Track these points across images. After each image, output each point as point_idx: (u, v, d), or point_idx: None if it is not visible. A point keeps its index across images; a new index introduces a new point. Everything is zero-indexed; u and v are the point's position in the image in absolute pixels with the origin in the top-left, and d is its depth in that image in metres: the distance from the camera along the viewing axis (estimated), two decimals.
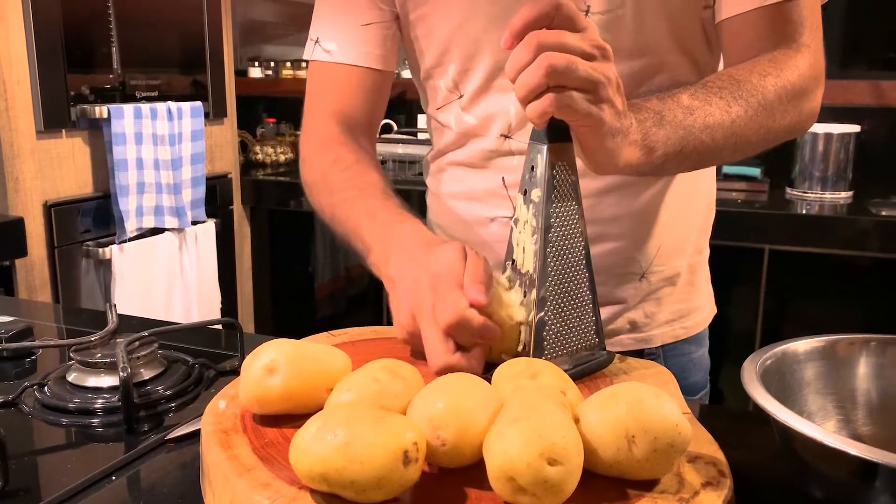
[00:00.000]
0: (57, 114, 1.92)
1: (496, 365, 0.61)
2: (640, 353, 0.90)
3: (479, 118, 0.87)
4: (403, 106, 2.87)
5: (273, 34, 3.31)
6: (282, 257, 2.82)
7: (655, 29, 0.79)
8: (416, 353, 0.68)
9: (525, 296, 0.65)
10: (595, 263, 0.68)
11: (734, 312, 2.11)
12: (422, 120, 2.80)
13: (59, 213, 1.95)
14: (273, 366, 0.56)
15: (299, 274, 2.82)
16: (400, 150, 2.65)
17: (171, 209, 2.16)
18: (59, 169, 1.96)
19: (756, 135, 0.73)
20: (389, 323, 0.71)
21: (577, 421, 0.50)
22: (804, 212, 2.07)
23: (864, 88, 2.29)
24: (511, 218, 0.71)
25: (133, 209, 2.06)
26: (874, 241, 1.92)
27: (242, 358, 0.79)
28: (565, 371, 0.60)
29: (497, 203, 0.88)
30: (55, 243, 1.95)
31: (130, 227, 2.06)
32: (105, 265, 2.05)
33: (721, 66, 0.85)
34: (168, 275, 2.20)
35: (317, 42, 0.92)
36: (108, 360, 0.73)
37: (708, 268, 0.97)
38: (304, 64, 3.00)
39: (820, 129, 2.16)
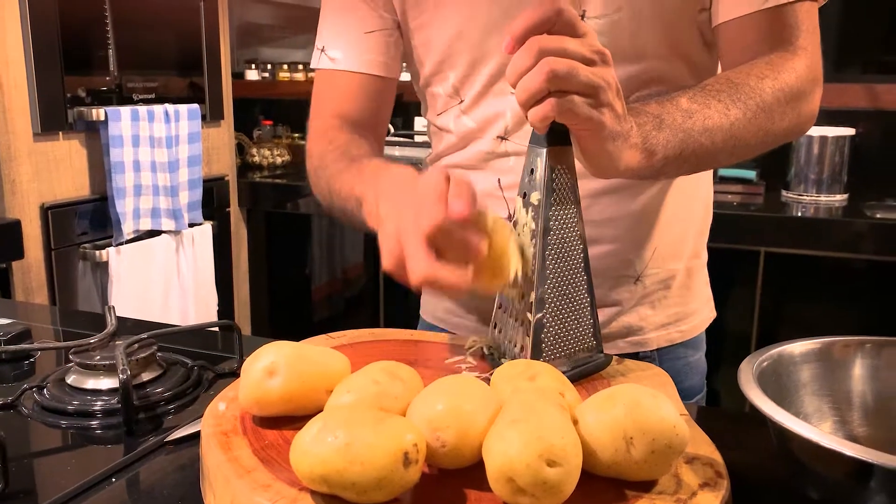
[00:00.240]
0: (54, 116, 1.92)
1: (490, 304, 0.58)
2: (635, 356, 0.90)
3: (478, 121, 0.87)
4: (400, 109, 2.87)
5: (270, 37, 3.31)
6: (278, 259, 2.82)
7: (652, 33, 0.80)
8: (402, 282, 0.65)
9: (515, 228, 0.64)
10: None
11: (730, 314, 2.12)
12: (418, 123, 2.81)
13: (56, 216, 1.95)
14: (273, 368, 0.57)
15: (296, 276, 2.82)
16: (397, 152, 2.65)
17: (167, 211, 2.16)
18: (56, 171, 1.96)
19: (755, 137, 0.74)
20: (387, 325, 0.72)
21: (575, 422, 0.50)
22: (800, 214, 2.07)
23: (858, 91, 2.30)
24: (506, 218, 0.71)
25: (130, 211, 2.06)
26: (869, 243, 1.92)
27: (241, 360, 0.79)
28: (564, 373, 0.61)
29: (492, 204, 0.88)
30: (52, 245, 1.95)
31: (127, 229, 2.06)
32: (102, 267, 2.05)
33: (719, 69, 0.85)
34: (165, 277, 2.20)
35: (322, 51, 0.93)
36: (107, 362, 0.73)
37: (706, 272, 0.97)
38: (300, 66, 3.02)
39: (815, 131, 2.17)
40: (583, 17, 0.78)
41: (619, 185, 0.84)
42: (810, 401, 0.63)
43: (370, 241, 2.61)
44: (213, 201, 2.45)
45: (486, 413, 0.51)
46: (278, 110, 3.12)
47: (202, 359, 0.82)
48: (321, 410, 0.55)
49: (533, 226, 0.65)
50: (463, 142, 0.90)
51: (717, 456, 0.54)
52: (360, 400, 0.54)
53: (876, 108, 2.30)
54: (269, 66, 3.09)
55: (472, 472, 0.50)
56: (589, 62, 0.58)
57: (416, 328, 1.00)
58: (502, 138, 0.86)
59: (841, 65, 2.39)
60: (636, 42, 0.80)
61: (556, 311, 0.66)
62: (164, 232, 2.18)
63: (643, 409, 0.49)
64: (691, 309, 0.94)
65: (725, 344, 2.08)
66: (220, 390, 0.64)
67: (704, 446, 0.55)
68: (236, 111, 2.61)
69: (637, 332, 0.90)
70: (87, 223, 2.04)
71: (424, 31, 0.87)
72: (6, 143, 1.83)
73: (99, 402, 0.71)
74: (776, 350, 0.62)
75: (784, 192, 2.25)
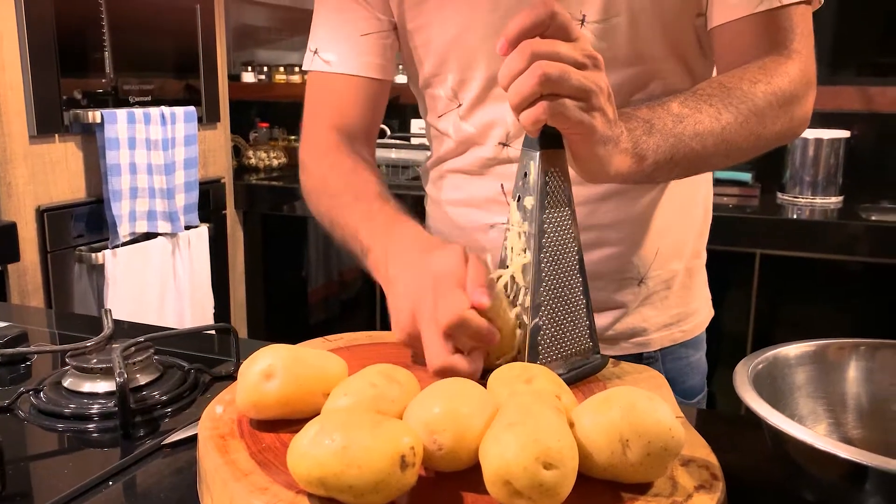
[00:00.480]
0: (50, 119, 1.91)
1: (491, 370, 0.61)
2: (638, 357, 0.91)
3: (478, 127, 0.87)
4: (397, 111, 2.88)
5: (266, 39, 3.31)
6: (275, 262, 2.82)
7: (650, 37, 0.80)
8: (415, 355, 0.68)
9: (520, 301, 0.66)
10: (594, 269, 0.69)
11: (726, 317, 2.12)
12: (415, 125, 2.81)
13: (52, 218, 1.95)
14: (270, 371, 0.57)
15: (292, 279, 2.82)
16: (393, 154, 2.65)
17: (164, 214, 2.15)
18: (52, 174, 1.96)
19: (746, 141, 0.74)
20: (383, 328, 0.72)
21: (571, 425, 0.51)
22: (795, 216, 2.08)
23: (853, 94, 2.31)
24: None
25: (126, 214, 2.06)
26: (864, 245, 1.93)
27: (238, 363, 0.79)
28: (560, 375, 0.61)
29: (496, 209, 0.88)
30: (48, 248, 1.95)
31: (123, 231, 2.05)
32: (98, 270, 2.05)
33: (714, 72, 0.86)
34: (161, 279, 2.19)
35: (315, 53, 0.92)
36: (103, 365, 0.73)
37: (705, 272, 0.98)
38: (296, 69, 3.02)
39: (810, 134, 2.17)
40: (583, 21, 0.79)
41: (622, 190, 0.85)
42: (805, 403, 0.63)
43: None
44: (209, 204, 2.45)
45: (483, 416, 0.51)
46: (274, 112, 3.12)
47: (199, 362, 0.82)
48: (318, 413, 0.55)
49: (527, 229, 0.65)
50: (463, 147, 0.90)
51: (712, 458, 0.54)
52: (357, 403, 0.54)
53: (871, 111, 2.30)
54: (265, 69, 3.09)
55: (469, 474, 0.51)
56: (581, 66, 0.59)
57: None
58: (504, 144, 0.86)
59: (836, 67, 2.40)
60: (635, 46, 0.80)
61: (551, 313, 0.66)
62: (161, 234, 2.18)
63: (639, 412, 0.49)
64: (692, 308, 0.95)
65: (721, 346, 2.08)
66: (217, 393, 0.64)
67: (700, 449, 0.56)
68: (232, 113, 2.61)
69: (641, 334, 0.91)
70: (83, 226, 2.04)
71: (425, 32, 0.87)
72: (2, 146, 1.82)
73: (95, 406, 0.71)
74: (771, 353, 0.62)
75: (779, 195, 2.26)
